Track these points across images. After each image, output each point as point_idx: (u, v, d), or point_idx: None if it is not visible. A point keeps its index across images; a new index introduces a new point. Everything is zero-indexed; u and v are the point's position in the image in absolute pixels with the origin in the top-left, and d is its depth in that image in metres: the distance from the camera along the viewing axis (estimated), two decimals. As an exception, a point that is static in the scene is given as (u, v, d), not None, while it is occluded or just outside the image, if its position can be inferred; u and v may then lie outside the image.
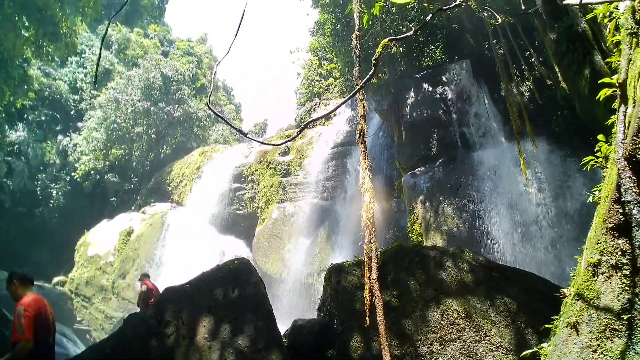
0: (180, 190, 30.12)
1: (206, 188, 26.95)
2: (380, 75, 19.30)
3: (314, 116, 27.19)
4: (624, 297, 3.16)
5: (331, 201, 22.01)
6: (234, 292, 6.68)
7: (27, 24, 22.20)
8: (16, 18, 21.55)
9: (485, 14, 14.72)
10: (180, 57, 46.53)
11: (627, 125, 3.37)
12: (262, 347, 6.03)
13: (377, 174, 19.68)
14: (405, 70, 19.11)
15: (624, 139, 3.28)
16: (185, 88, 37.39)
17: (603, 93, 3.97)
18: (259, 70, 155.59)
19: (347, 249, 18.41)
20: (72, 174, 35.86)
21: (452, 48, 18.91)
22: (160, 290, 9.15)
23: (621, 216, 3.26)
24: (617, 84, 3.69)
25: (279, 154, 25.73)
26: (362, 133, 4.84)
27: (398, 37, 3.49)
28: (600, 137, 4.17)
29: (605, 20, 4.28)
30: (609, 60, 4.73)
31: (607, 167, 4.00)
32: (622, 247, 3.23)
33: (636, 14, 3.53)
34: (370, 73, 3.12)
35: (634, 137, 3.16)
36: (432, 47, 19.35)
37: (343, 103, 3.44)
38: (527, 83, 15.74)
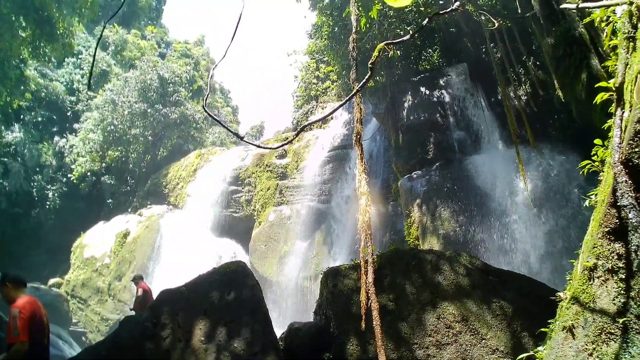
0: (176, 192, 30.06)
1: (203, 190, 26.91)
2: (378, 78, 19.34)
3: (311, 119, 27.32)
4: (619, 301, 3.15)
5: (328, 204, 22.00)
6: (230, 295, 6.65)
7: (24, 24, 22.14)
8: (13, 18, 21.50)
9: (483, 18, 14.76)
10: (178, 59, 46.50)
11: (623, 129, 3.37)
12: (258, 350, 6.02)
13: (373, 178, 19.70)
14: (403, 73, 19.15)
15: (620, 143, 3.28)
16: (182, 90, 37.36)
17: (600, 97, 3.98)
18: (255, 74, 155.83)
19: (344, 252, 18.41)
20: (69, 175, 35.75)
21: (449, 51, 18.96)
22: (155, 293, 9.13)
23: (617, 220, 3.26)
24: (613, 88, 3.70)
25: (275, 156, 25.71)
26: (358, 136, 4.85)
27: (395, 41, 3.49)
28: (597, 141, 4.18)
29: (603, 24, 4.29)
30: (606, 64, 4.75)
31: (603, 171, 4.01)
32: (618, 251, 3.23)
33: (633, 18, 3.54)
34: (366, 77, 3.12)
35: (631, 141, 3.17)
36: (430, 50, 19.40)
37: (339, 107, 3.44)
38: (524, 87, 15.79)
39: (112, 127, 33.86)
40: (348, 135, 22.88)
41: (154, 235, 24.24)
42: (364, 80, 3.11)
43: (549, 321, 4.11)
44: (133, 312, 12.18)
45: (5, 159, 33.08)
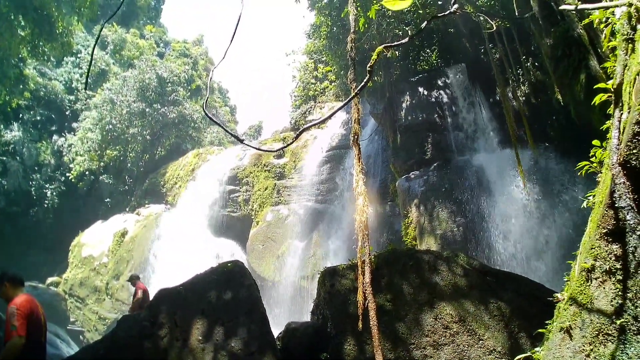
0: (174, 192, 30.04)
1: (200, 190, 26.89)
2: (376, 78, 19.33)
3: (309, 119, 27.32)
4: (617, 302, 3.16)
5: (325, 204, 22.01)
6: (228, 294, 6.65)
7: (23, 23, 22.11)
8: (12, 17, 21.47)
9: (481, 18, 14.77)
10: (176, 58, 46.44)
11: (622, 130, 3.37)
12: (255, 350, 6.01)
13: (371, 178, 19.71)
14: (401, 73, 19.15)
15: (618, 145, 3.28)
16: (180, 90, 37.33)
17: (598, 98, 3.98)
18: (254, 75, 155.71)
19: (341, 253, 18.41)
20: (67, 174, 35.70)
21: (447, 52, 18.96)
22: (152, 292, 9.10)
23: (615, 222, 3.26)
24: (612, 90, 3.70)
25: (273, 156, 25.71)
26: (356, 136, 4.84)
27: (394, 43, 3.48)
28: (595, 142, 4.18)
29: (602, 25, 4.29)
30: (604, 65, 4.75)
31: (601, 173, 4.01)
32: (615, 253, 3.23)
33: (632, 19, 3.54)
34: (364, 80, 3.11)
35: (629, 143, 3.16)
36: (428, 50, 19.40)
37: (339, 109, 3.43)
38: (522, 87, 15.79)
39: (111, 126, 33.83)
40: (346, 135, 22.89)
41: (152, 234, 24.24)
42: (363, 84, 3.11)
43: (547, 322, 4.11)
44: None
45: (4, 158, 33.04)
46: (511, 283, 6.61)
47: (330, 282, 6.84)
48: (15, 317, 5.08)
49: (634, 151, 3.12)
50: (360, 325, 4.63)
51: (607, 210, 3.34)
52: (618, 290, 3.16)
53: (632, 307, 3.05)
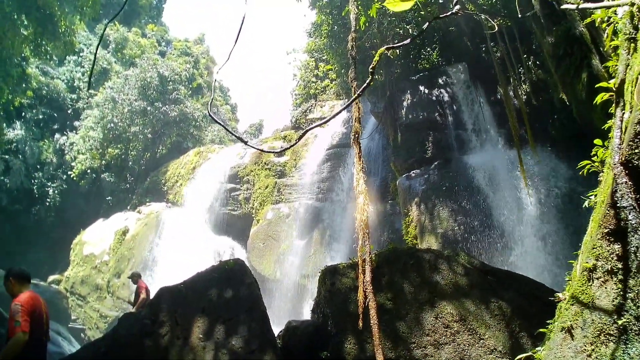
0: (175, 190, 30.06)
1: (201, 188, 26.92)
2: (377, 77, 19.31)
3: (310, 117, 27.30)
4: (618, 302, 3.15)
5: (326, 203, 22.00)
6: (228, 292, 6.65)
7: (26, 22, 22.12)
8: (15, 16, 21.48)
9: (483, 17, 14.74)
10: (177, 57, 46.45)
11: (623, 130, 3.36)
12: (255, 348, 6.02)
13: (372, 176, 19.70)
14: (402, 72, 19.13)
15: (620, 144, 3.27)
16: (181, 88, 37.36)
17: (600, 97, 3.96)
18: (258, 76, 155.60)
19: (342, 251, 18.42)
20: (69, 172, 35.73)
21: (448, 50, 18.94)
22: (154, 291, 9.09)
23: (617, 221, 3.25)
24: (614, 89, 3.69)
25: (274, 155, 25.71)
26: (357, 135, 4.83)
27: (395, 45, 3.47)
28: (597, 141, 4.16)
29: (604, 24, 4.27)
30: (606, 64, 4.73)
31: (603, 172, 4.00)
32: (617, 252, 3.22)
33: (634, 19, 3.53)
34: (367, 82, 3.10)
35: (631, 143, 3.15)
36: (429, 49, 19.39)
37: (342, 110, 3.43)
38: (523, 86, 15.77)
39: (112, 124, 33.86)
40: (346, 133, 22.87)
41: (153, 232, 24.25)
42: (365, 85, 3.10)
43: (548, 322, 4.10)
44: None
45: (7, 156, 33.06)
46: (512, 282, 6.60)
47: (330, 280, 6.84)
48: (19, 313, 5.09)
49: (636, 151, 3.11)
50: (361, 324, 4.63)
51: (608, 210, 3.33)
52: (620, 290, 3.16)
53: (634, 307, 3.05)
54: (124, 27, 44.43)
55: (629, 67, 3.55)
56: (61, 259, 30.19)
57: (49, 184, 35.49)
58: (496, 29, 12.54)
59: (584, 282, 3.50)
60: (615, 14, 3.96)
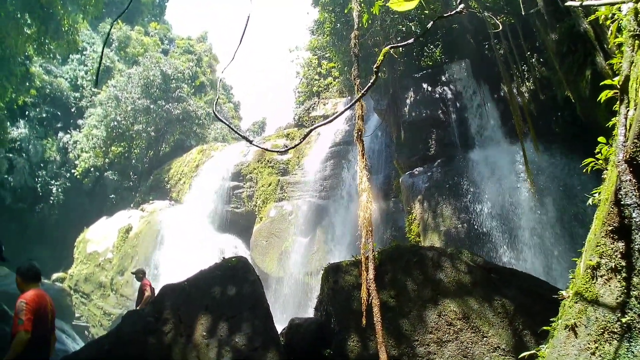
0: (179, 188, 30.10)
1: (204, 186, 26.94)
2: (380, 75, 19.24)
3: (312, 115, 27.29)
4: (622, 300, 3.14)
5: (329, 200, 21.99)
6: (232, 290, 6.67)
7: (29, 21, 22.17)
8: (19, 15, 21.54)
9: (486, 13, 14.69)
10: (180, 55, 46.47)
11: (628, 127, 3.35)
12: (259, 346, 6.03)
13: (375, 174, 19.68)
14: (405, 69, 19.07)
15: (624, 142, 3.26)
16: (184, 86, 37.35)
17: (604, 95, 3.95)
18: (259, 76, 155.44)
19: (345, 249, 18.40)
20: (72, 171, 35.86)
21: (451, 48, 18.87)
22: (157, 288, 9.09)
23: (621, 219, 3.24)
24: (618, 86, 3.67)
25: (277, 152, 25.70)
26: (360, 133, 4.84)
27: (399, 44, 3.47)
28: (601, 139, 4.15)
29: (608, 22, 4.26)
30: (611, 61, 4.71)
31: (607, 170, 3.99)
32: (621, 250, 3.22)
33: (639, 16, 3.51)
34: (371, 82, 3.10)
35: (635, 140, 3.15)
36: (432, 46, 19.33)
37: (346, 109, 3.43)
38: (527, 84, 15.71)
39: (115, 123, 33.91)
40: (349, 131, 22.83)
41: (156, 230, 24.31)
42: (369, 85, 3.09)
43: (551, 319, 4.10)
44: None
45: (10, 155, 33.16)
46: (515, 280, 6.59)
47: (333, 278, 6.84)
48: (23, 311, 5.12)
49: (641, 148, 3.10)
50: (364, 322, 4.64)
51: (612, 208, 3.32)
52: (623, 287, 3.15)
53: (638, 305, 3.04)
54: (126, 25, 44.46)
55: (634, 64, 3.54)
56: (65, 256, 30.32)
57: (52, 182, 35.60)
58: (500, 28, 12.49)
59: (587, 279, 3.49)
60: (620, 10, 3.94)
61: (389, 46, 3.48)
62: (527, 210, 13.35)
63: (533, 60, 15.36)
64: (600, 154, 4.19)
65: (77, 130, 37.12)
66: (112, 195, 35.14)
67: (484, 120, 16.40)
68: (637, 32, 3.52)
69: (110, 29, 5.93)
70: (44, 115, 36.61)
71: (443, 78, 17.60)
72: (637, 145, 3.12)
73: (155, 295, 7.58)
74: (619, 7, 3.93)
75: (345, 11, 15.79)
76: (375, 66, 3.28)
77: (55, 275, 28.29)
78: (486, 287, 6.32)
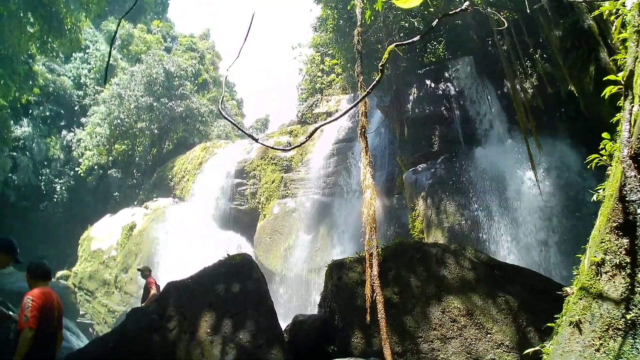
0: (182, 185, 30.13)
1: (208, 183, 26.95)
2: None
3: (316, 112, 27.27)
4: (627, 296, 3.13)
5: (332, 197, 21.98)
6: (236, 287, 6.68)
7: (32, 20, 22.19)
8: (21, 14, 21.57)
9: (490, 10, 14.64)
10: (183, 52, 46.44)
11: (633, 123, 3.34)
12: (263, 343, 6.04)
13: (378, 171, 19.65)
14: (408, 66, 19.03)
15: (629, 138, 3.25)
16: (187, 84, 37.35)
17: (608, 90, 3.93)
18: (261, 75, 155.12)
19: (348, 245, 18.39)
20: (76, 169, 35.90)
21: (455, 44, 18.82)
22: (161, 285, 9.11)
23: (625, 215, 3.23)
24: (622, 82, 3.66)
25: (282, 150, 25.68)
26: (363, 129, 4.83)
27: (403, 42, 3.48)
28: (605, 134, 4.13)
29: (612, 17, 4.23)
30: (615, 57, 4.69)
31: (611, 166, 3.97)
32: (625, 246, 3.21)
33: (643, 10, 3.50)
34: (376, 80, 3.10)
35: (640, 136, 3.13)
36: (435, 43, 19.27)
37: (351, 108, 3.43)
38: (531, 80, 15.67)
39: (119, 120, 33.94)
40: (353, 128, 22.79)
41: (160, 228, 24.35)
42: (374, 83, 3.10)
43: (555, 316, 4.08)
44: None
45: (14, 153, 33.24)
46: (519, 277, 6.59)
47: (337, 275, 6.85)
48: (29, 308, 5.17)
49: (645, 144, 3.08)
50: (368, 318, 4.65)
51: (617, 204, 3.31)
52: (628, 284, 3.14)
53: (643, 301, 3.03)
54: (129, 23, 44.44)
55: (638, 59, 3.52)
56: (69, 254, 30.38)
57: (56, 180, 35.69)
58: (505, 26, 12.45)
59: (592, 276, 3.48)
60: (624, 5, 3.92)
61: (394, 44, 3.47)
62: (531, 206, 13.33)
63: (537, 56, 15.31)
64: (604, 150, 4.17)
65: (81, 128, 37.17)
66: (116, 193, 35.21)
67: (487, 116, 16.36)
68: (642, 27, 3.50)
69: (117, 29, 5.93)
70: (48, 113, 36.68)
71: (446, 74, 17.56)
72: (642, 141, 3.11)
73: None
74: (623, 2, 3.91)
75: (348, 8, 15.76)
76: (380, 64, 3.28)
77: (59, 273, 28.34)
78: (490, 284, 6.32)
